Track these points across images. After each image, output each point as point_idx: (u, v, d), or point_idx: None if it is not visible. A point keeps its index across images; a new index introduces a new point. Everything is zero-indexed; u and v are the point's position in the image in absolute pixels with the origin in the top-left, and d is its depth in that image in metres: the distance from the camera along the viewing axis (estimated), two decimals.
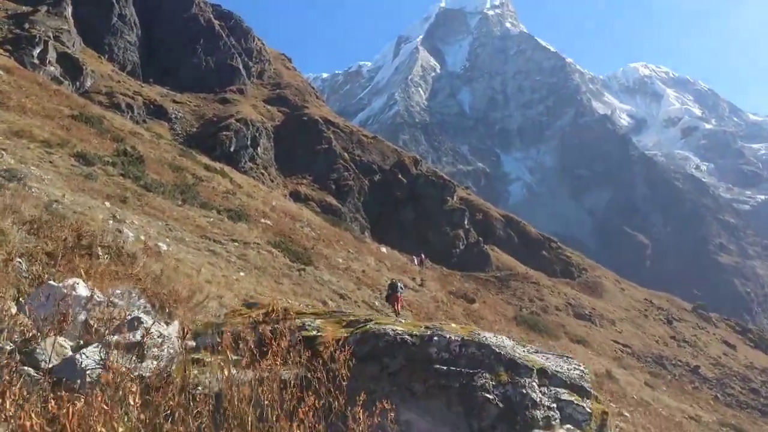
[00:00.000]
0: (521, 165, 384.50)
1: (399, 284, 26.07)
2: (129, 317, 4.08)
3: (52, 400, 2.95)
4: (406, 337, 4.28)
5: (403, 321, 19.13)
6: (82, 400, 2.96)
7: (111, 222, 14.24)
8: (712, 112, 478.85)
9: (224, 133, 77.18)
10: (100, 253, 6.14)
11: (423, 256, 62.85)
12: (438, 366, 3.98)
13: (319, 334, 3.20)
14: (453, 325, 4.64)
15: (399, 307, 25.29)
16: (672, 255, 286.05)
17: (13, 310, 4.30)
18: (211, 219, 23.25)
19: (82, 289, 4.58)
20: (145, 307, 5.16)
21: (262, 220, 27.17)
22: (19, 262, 5.71)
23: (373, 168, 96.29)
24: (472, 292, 38.38)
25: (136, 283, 6.17)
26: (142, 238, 14.16)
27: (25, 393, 3.14)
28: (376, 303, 22.99)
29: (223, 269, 15.93)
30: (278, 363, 3.32)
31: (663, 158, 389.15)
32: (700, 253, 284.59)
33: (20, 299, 5.15)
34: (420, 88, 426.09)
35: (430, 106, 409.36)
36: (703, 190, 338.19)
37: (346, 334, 4.75)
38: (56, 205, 11.43)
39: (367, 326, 4.66)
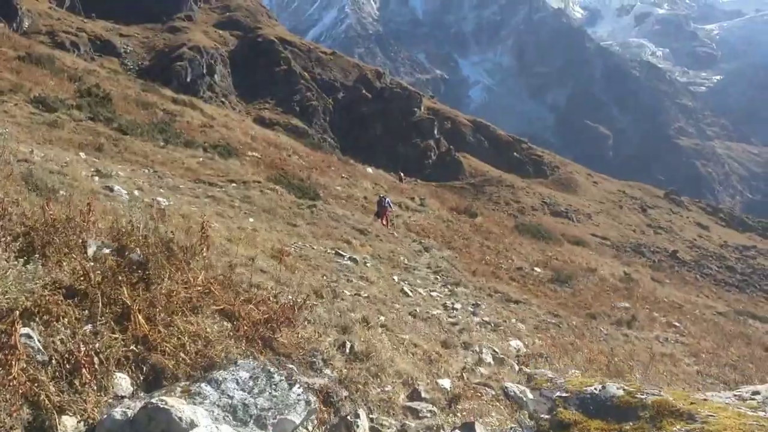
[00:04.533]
0: (479, 68, 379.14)
1: (387, 199, 24.78)
2: None
3: None
4: None
5: (396, 235, 17.23)
6: None
7: (96, 179, 11.83)
8: None
9: (178, 63, 72.86)
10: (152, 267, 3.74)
11: (401, 173, 61.28)
12: None
13: None
14: None
15: (388, 222, 23.82)
16: (634, 143, 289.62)
17: None
18: (200, 159, 20.66)
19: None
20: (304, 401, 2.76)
21: (250, 153, 24.71)
22: (28, 335, 3.00)
23: (336, 85, 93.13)
24: (472, 206, 36.85)
25: (207, 299, 3.87)
26: (136, 193, 11.79)
27: None
28: (395, 234, 21.04)
29: (233, 218, 13.72)
30: None
31: (618, 48, 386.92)
32: (660, 139, 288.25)
33: None
34: None
35: (382, 16, 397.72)
36: (659, 75, 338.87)
37: None
38: (30, 168, 8.95)
39: None
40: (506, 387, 4.56)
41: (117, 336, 3.13)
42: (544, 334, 13.10)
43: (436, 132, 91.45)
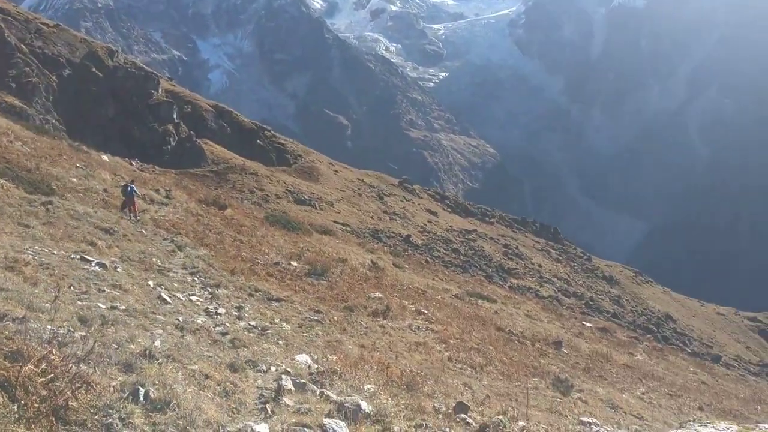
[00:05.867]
0: (219, 51, 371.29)
1: (132, 186, 22.91)
2: None
3: None
4: None
5: (145, 232, 16.10)
6: None
7: None
8: None
9: None
10: None
11: (134, 162, 58.00)
12: None
13: None
14: None
15: (136, 211, 22.32)
16: (369, 133, 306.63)
17: None
18: None
19: None
20: None
21: None
22: None
23: (61, 61, 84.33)
24: (221, 197, 35.66)
25: None
26: None
27: None
28: (144, 232, 19.40)
29: None
30: None
31: (355, 41, 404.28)
32: (393, 130, 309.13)
33: None
34: None
35: None
36: (392, 70, 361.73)
37: None
38: None
39: None
40: (324, 425, 4.31)
41: None
42: (311, 332, 13.09)
43: (175, 116, 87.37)
